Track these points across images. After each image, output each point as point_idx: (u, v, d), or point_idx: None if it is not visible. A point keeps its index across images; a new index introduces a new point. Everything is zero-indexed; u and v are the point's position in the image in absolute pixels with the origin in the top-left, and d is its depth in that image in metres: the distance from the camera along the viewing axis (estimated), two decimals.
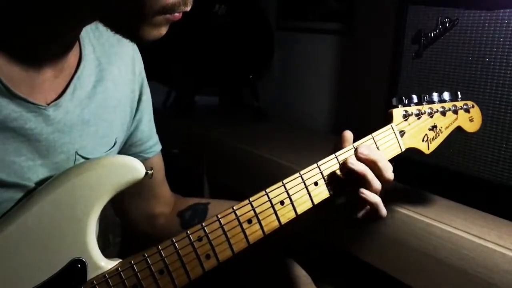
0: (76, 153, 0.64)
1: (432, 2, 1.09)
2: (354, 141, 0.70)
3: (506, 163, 0.98)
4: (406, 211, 1.04)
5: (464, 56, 1.04)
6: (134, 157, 0.78)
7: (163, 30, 0.55)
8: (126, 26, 0.54)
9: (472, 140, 1.04)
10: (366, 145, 0.68)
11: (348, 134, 0.69)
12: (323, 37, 1.78)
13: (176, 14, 0.54)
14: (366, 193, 0.65)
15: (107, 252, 0.85)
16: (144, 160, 0.81)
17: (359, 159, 0.66)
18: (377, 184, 0.66)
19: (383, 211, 0.67)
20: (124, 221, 0.88)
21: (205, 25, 1.75)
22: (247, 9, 1.85)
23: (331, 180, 0.68)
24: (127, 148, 0.79)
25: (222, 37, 1.80)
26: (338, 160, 0.68)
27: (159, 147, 0.84)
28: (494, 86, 0.99)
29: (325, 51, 1.78)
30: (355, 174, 0.65)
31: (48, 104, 0.60)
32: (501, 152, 0.99)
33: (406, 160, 1.09)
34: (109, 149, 0.70)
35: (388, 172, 0.68)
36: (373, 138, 0.71)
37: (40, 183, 0.60)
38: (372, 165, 0.66)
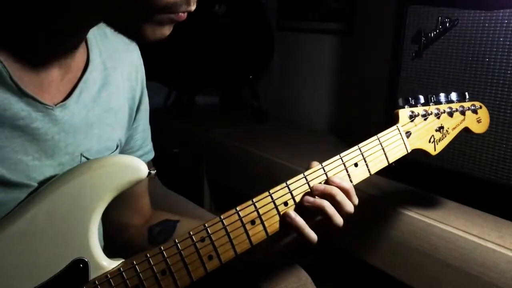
0: (82, 155, 0.64)
1: (432, 2, 1.09)
2: (359, 142, 0.70)
3: (506, 163, 0.99)
4: (406, 212, 1.04)
5: (464, 56, 1.05)
6: None
7: (167, 30, 0.55)
8: (129, 25, 0.53)
9: (472, 140, 1.04)
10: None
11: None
12: (323, 37, 1.78)
13: (181, 14, 0.54)
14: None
15: (108, 252, 0.85)
16: None
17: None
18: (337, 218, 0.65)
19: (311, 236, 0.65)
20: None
21: (205, 25, 1.75)
22: (247, 9, 1.85)
23: None
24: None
25: (222, 37, 1.80)
26: (343, 161, 0.68)
27: (149, 156, 0.84)
28: (494, 86, 1.00)
29: (325, 51, 1.78)
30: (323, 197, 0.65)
31: (55, 105, 0.60)
32: (501, 152, 1.00)
33: (406, 161, 1.10)
34: (112, 153, 0.70)
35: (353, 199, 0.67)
36: (378, 139, 0.70)
37: (44, 182, 0.60)
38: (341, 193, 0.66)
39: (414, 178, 1.16)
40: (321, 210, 0.64)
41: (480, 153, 1.03)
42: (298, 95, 1.94)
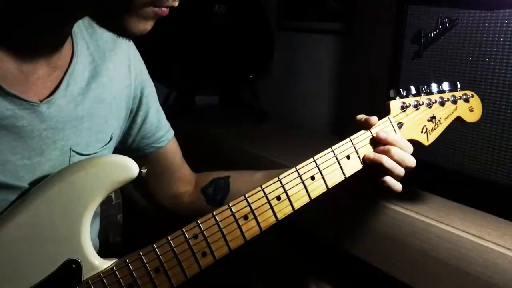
0: (71, 149, 0.64)
1: (432, 2, 1.08)
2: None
3: (506, 163, 0.98)
4: (406, 211, 1.03)
5: (464, 56, 1.04)
6: (147, 148, 0.80)
7: (149, 25, 0.55)
8: (113, 17, 0.53)
9: (472, 140, 1.03)
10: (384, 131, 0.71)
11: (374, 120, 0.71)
12: (323, 37, 1.77)
13: (164, 9, 0.54)
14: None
15: (107, 252, 0.85)
16: (158, 149, 0.82)
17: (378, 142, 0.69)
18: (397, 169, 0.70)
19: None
20: (151, 204, 0.90)
21: (205, 25, 1.75)
22: (247, 9, 1.85)
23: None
24: (139, 140, 0.80)
25: (222, 37, 1.80)
26: (335, 154, 0.68)
27: (170, 134, 0.86)
28: (494, 86, 0.99)
29: (325, 51, 1.77)
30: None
31: (41, 101, 0.59)
32: (501, 152, 0.99)
33: None
34: (105, 145, 0.70)
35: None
36: (370, 131, 0.70)
37: (35, 182, 0.60)
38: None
39: (414, 178, 1.15)
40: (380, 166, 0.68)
41: (480, 153, 1.02)
42: (298, 95, 1.94)
